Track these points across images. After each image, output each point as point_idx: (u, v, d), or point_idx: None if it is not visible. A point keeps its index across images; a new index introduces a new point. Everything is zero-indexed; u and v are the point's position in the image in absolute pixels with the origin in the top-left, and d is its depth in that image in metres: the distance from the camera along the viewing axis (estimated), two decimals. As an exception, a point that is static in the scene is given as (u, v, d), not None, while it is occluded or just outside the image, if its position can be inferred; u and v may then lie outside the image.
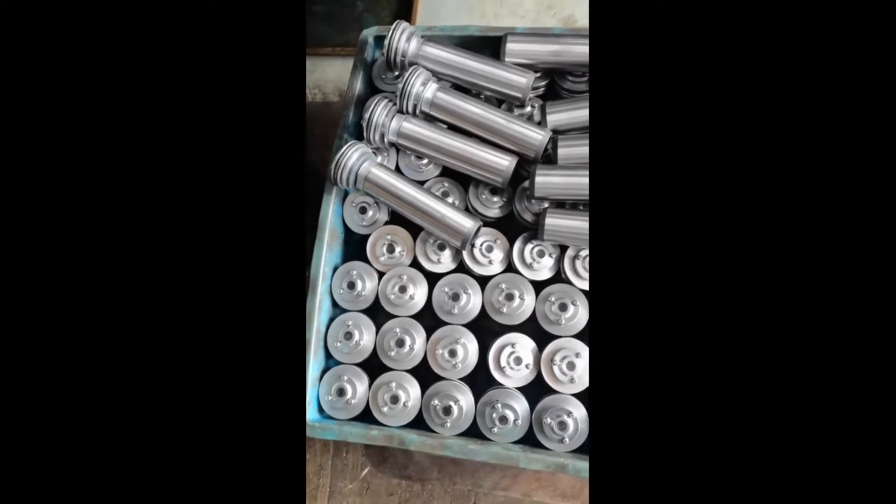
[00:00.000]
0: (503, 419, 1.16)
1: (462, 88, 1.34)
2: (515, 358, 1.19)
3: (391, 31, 1.28)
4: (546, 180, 1.18)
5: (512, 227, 1.28)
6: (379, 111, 1.25)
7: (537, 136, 1.22)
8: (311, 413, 1.23)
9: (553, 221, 1.18)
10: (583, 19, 2.29)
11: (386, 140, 1.27)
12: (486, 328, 1.25)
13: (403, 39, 1.28)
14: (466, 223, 1.20)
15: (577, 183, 1.18)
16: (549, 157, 1.25)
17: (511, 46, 1.28)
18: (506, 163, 1.22)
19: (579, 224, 1.17)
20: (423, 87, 1.25)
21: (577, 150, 1.21)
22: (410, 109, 1.26)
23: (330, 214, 1.29)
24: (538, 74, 1.32)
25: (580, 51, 1.25)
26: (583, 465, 1.09)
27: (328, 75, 2.26)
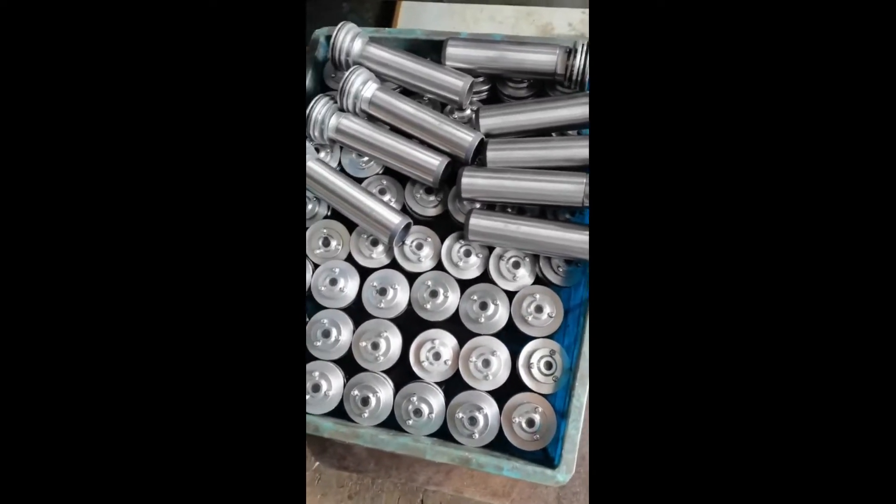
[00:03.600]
0: (418, 412, 1.19)
1: (409, 92, 1.38)
2: (435, 353, 1.22)
3: (336, 31, 1.32)
4: (472, 182, 1.21)
5: (447, 227, 1.31)
6: (319, 107, 1.29)
7: (467, 138, 1.25)
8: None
9: (476, 222, 1.21)
10: (560, 28, 2.32)
11: (325, 136, 1.31)
12: (413, 323, 1.28)
13: (348, 39, 1.32)
14: (394, 219, 1.23)
15: (503, 185, 1.21)
16: (483, 160, 1.28)
17: (451, 51, 1.31)
18: (436, 162, 1.25)
19: (502, 225, 1.20)
20: (363, 86, 1.29)
21: (506, 153, 1.24)
22: (350, 107, 1.30)
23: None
24: (480, 79, 1.36)
25: (515, 58, 1.28)
26: (485, 459, 1.11)
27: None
